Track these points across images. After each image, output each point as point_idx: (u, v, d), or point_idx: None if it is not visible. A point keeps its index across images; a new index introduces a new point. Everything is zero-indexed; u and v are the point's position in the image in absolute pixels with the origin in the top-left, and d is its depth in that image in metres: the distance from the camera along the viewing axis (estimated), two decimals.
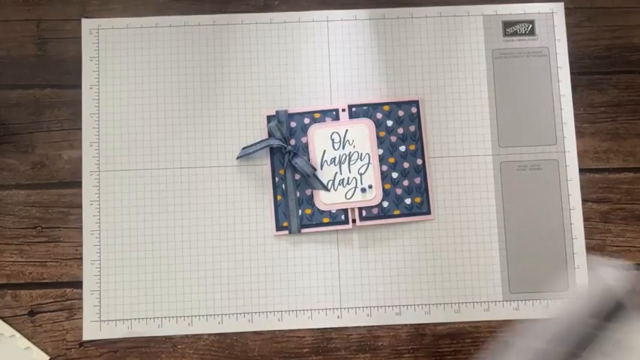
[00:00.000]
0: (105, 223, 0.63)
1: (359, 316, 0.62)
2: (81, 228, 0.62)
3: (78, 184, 0.63)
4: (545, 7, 0.66)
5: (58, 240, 0.63)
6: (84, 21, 0.65)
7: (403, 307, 0.62)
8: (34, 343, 0.61)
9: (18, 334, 0.61)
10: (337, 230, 0.63)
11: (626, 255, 0.63)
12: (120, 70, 0.64)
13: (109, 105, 0.64)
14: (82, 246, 0.62)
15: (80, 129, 0.64)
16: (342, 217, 0.63)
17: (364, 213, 0.63)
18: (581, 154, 0.64)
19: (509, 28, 0.66)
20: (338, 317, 0.62)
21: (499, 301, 0.62)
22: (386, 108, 0.64)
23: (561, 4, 0.66)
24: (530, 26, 0.66)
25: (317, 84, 0.65)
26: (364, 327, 0.62)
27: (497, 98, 0.65)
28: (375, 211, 0.63)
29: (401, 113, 0.64)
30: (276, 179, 0.63)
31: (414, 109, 0.64)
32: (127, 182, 0.63)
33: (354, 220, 0.63)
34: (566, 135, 0.64)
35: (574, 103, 0.65)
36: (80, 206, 0.63)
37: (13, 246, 0.63)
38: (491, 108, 0.65)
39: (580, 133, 0.65)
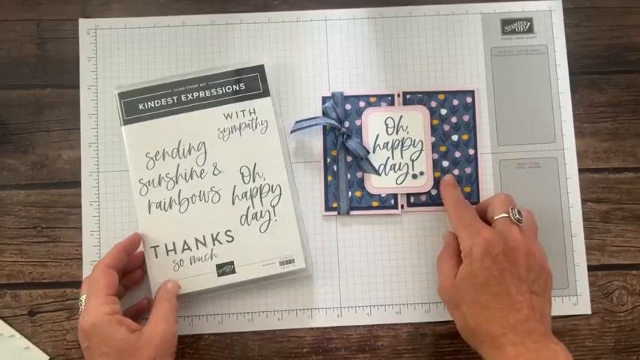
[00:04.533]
0: (105, 224, 0.63)
1: (359, 315, 0.62)
2: (81, 228, 0.63)
3: (78, 184, 0.63)
4: (543, 4, 0.66)
5: (57, 240, 0.63)
6: (81, 21, 0.65)
7: (403, 305, 0.62)
8: (34, 343, 0.61)
9: (18, 334, 0.61)
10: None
11: (626, 255, 0.63)
12: (118, 71, 0.64)
13: (107, 105, 0.64)
14: (81, 246, 0.62)
15: (80, 129, 0.64)
16: (392, 201, 0.63)
17: (412, 199, 0.63)
18: (581, 154, 0.64)
19: (508, 26, 0.66)
20: (338, 316, 0.62)
21: None
22: (441, 97, 0.64)
23: (559, 2, 0.66)
24: (529, 24, 0.66)
25: (315, 83, 0.65)
26: (364, 327, 0.62)
27: (496, 96, 0.65)
28: (423, 198, 0.63)
29: (456, 102, 0.64)
30: (328, 160, 0.64)
31: (468, 99, 0.64)
32: (126, 182, 0.63)
33: (402, 206, 0.63)
34: (564, 133, 0.64)
35: (573, 104, 0.65)
36: (80, 206, 0.63)
37: (13, 246, 0.63)
38: (490, 106, 0.65)
39: (580, 133, 0.65)
